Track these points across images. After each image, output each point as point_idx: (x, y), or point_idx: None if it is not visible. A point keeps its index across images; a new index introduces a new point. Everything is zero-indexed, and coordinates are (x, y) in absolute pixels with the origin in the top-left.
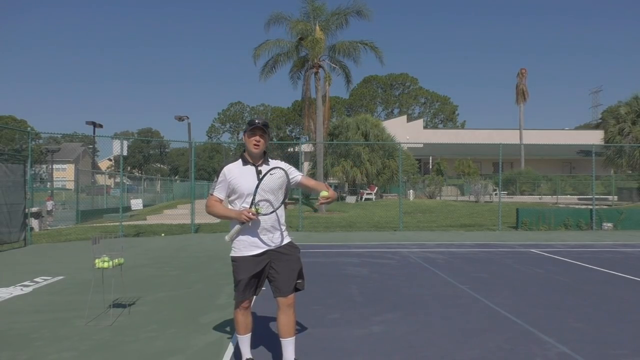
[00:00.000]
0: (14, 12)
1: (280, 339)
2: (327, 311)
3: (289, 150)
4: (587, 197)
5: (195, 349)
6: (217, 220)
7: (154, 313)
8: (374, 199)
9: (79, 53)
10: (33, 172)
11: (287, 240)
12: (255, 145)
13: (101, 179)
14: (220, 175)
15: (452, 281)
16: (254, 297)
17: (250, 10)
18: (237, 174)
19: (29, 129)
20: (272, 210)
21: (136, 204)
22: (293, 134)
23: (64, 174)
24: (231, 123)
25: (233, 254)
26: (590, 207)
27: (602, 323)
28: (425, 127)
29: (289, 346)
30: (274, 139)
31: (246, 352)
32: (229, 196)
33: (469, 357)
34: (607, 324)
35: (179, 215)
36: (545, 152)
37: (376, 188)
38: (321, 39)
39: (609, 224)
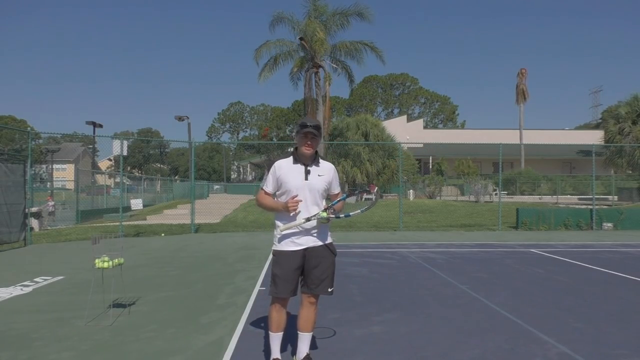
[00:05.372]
0: (14, 13)
1: (298, 332)
2: (327, 311)
3: (289, 150)
4: (587, 197)
5: (195, 349)
6: (217, 220)
7: (154, 313)
8: (374, 199)
9: (79, 53)
10: (33, 172)
11: (328, 240)
12: (307, 148)
13: (101, 179)
14: (271, 170)
15: (452, 281)
16: (290, 296)
17: (250, 11)
18: (286, 171)
19: (29, 129)
20: (336, 216)
21: (136, 204)
22: (293, 134)
23: (64, 174)
24: (231, 123)
25: (274, 247)
26: (590, 207)
27: (602, 323)
28: (425, 127)
29: (305, 340)
30: (274, 139)
31: (275, 351)
32: (276, 191)
33: (469, 357)
34: (607, 324)
35: (179, 215)
36: (545, 152)
37: (376, 188)
38: (324, 39)
39: (609, 224)
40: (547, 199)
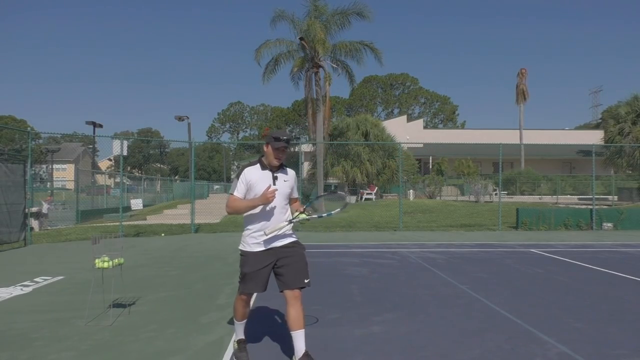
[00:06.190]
0: (15, 12)
1: (291, 331)
2: (327, 311)
3: (289, 150)
4: (587, 197)
5: (195, 349)
6: (217, 220)
7: (154, 313)
8: (374, 199)
9: (79, 53)
10: (33, 172)
11: (292, 238)
12: (277, 160)
13: (101, 179)
14: (241, 176)
15: (452, 281)
16: (256, 293)
17: (250, 11)
18: (256, 178)
19: (29, 129)
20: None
21: (136, 204)
22: (293, 134)
23: (64, 174)
24: (231, 123)
25: (241, 247)
26: (590, 207)
27: (602, 323)
28: (425, 127)
29: (299, 338)
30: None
31: (240, 333)
32: (245, 197)
33: (469, 357)
34: (607, 324)
35: (179, 215)
36: (545, 152)
37: (376, 188)
38: (325, 39)
39: (609, 224)
40: (547, 199)
